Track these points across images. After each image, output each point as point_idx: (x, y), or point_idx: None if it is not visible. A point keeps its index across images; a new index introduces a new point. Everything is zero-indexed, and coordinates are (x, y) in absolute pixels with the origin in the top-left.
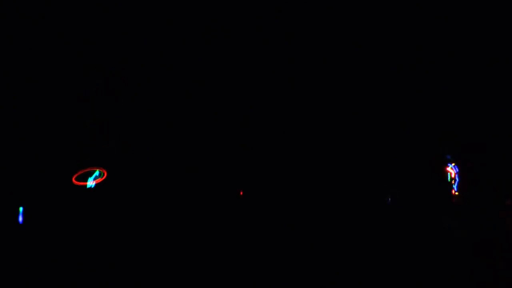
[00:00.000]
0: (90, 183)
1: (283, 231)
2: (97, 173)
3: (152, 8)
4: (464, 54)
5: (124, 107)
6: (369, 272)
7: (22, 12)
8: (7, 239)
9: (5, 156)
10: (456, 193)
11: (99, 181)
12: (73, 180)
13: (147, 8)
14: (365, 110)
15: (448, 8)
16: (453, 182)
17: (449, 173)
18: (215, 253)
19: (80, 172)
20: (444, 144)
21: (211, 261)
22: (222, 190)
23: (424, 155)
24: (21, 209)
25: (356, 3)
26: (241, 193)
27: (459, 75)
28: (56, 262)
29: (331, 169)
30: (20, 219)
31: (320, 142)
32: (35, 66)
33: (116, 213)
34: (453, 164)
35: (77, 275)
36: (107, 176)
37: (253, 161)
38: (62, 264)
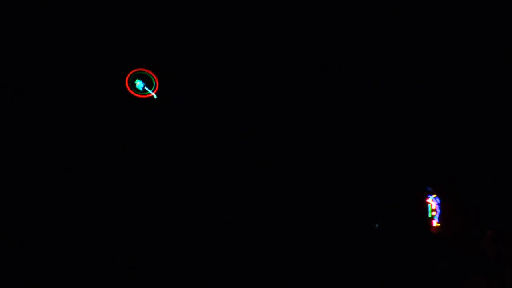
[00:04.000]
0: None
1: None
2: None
3: (153, 8)
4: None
5: None
6: None
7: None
8: None
9: None
10: (438, 224)
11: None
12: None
13: (147, 8)
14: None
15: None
16: (434, 213)
17: (430, 205)
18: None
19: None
20: (425, 176)
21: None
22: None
23: (405, 186)
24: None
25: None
26: None
27: (440, 104)
28: None
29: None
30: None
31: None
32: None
33: None
34: (434, 196)
35: None
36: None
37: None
38: None
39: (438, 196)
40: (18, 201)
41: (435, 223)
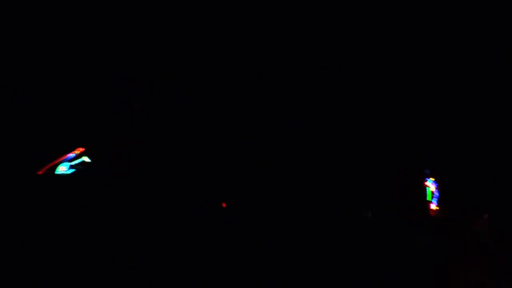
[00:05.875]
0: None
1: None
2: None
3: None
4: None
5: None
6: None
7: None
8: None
9: None
10: (436, 208)
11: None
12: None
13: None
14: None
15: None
16: (432, 196)
17: (428, 188)
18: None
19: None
20: (423, 159)
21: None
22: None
23: (403, 170)
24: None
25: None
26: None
27: (433, 88)
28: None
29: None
30: None
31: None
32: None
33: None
34: (432, 179)
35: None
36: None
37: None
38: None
39: (436, 179)
40: (18, 201)
41: (433, 206)
